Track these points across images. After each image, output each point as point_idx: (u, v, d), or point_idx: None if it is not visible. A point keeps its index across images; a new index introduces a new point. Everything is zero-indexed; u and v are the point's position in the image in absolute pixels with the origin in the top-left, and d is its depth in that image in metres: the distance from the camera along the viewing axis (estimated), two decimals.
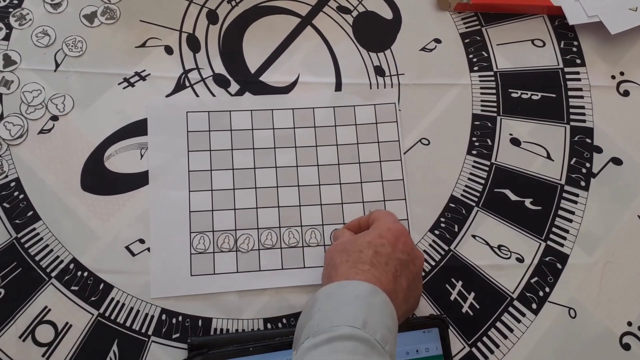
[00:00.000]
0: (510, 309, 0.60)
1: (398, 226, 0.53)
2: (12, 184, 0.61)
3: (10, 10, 0.66)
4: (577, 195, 0.64)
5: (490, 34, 0.70)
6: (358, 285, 0.47)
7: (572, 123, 0.67)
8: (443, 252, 0.62)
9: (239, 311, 0.59)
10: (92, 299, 0.58)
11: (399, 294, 0.50)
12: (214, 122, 0.64)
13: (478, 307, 0.60)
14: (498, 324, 0.60)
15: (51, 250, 0.59)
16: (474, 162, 0.65)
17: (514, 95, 0.68)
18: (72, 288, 0.58)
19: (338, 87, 0.66)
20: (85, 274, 0.59)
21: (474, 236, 0.62)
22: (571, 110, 0.67)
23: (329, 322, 0.45)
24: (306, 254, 0.60)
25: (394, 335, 0.47)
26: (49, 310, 0.57)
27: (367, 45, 0.69)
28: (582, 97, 0.68)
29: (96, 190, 0.61)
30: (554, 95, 0.68)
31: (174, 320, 0.58)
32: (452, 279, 0.61)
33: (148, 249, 0.60)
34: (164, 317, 0.58)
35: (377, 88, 0.67)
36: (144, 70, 0.65)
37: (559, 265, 0.62)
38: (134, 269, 0.59)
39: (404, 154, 0.64)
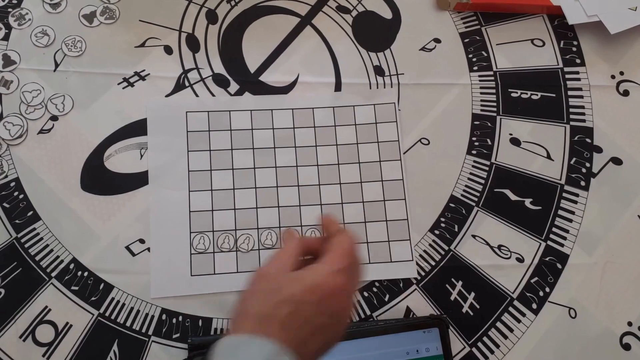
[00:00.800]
0: (511, 309, 0.60)
1: (337, 282, 0.45)
2: (12, 184, 0.61)
3: (10, 10, 0.66)
4: (577, 195, 0.64)
5: (490, 33, 0.70)
6: (260, 347, 0.41)
7: (572, 123, 0.67)
8: (443, 252, 0.62)
9: None
10: (93, 299, 0.58)
11: (307, 355, 0.43)
12: (214, 122, 0.64)
13: (478, 307, 0.60)
14: (498, 324, 0.60)
15: (51, 250, 0.59)
16: (474, 162, 0.65)
17: (513, 95, 0.68)
18: (73, 288, 0.58)
19: (338, 87, 0.66)
20: (86, 274, 0.59)
21: (474, 236, 0.62)
22: (571, 110, 0.67)
23: None
24: None
25: None
26: (49, 310, 0.57)
27: (367, 45, 0.68)
28: (582, 96, 0.68)
29: (96, 190, 0.61)
30: (554, 95, 0.68)
31: (174, 320, 0.58)
32: (452, 279, 0.61)
33: (148, 249, 0.60)
34: (164, 317, 0.58)
35: (377, 88, 0.67)
36: (144, 70, 0.65)
37: (559, 265, 0.62)
38: (134, 269, 0.59)
39: (404, 153, 0.64)
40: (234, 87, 0.65)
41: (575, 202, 0.64)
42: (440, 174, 0.64)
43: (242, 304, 0.45)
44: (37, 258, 0.59)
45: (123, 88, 0.64)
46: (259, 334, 0.41)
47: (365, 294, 0.60)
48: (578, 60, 0.69)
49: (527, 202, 0.64)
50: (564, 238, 0.63)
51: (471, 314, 0.60)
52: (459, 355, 0.59)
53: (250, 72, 0.66)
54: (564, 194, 0.64)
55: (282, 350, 0.41)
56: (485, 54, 0.69)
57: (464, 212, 0.63)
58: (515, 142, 0.66)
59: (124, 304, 0.58)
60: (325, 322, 0.44)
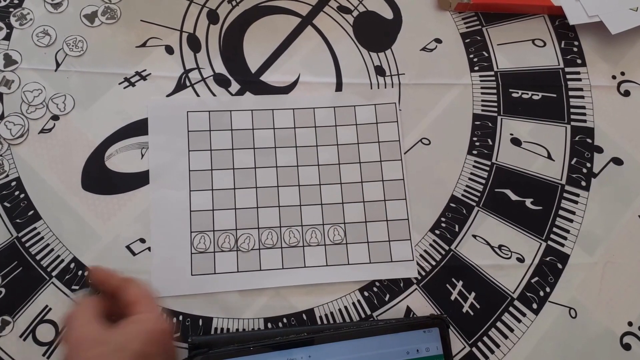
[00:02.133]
0: (511, 308, 0.60)
1: (165, 327, 0.47)
2: (13, 183, 0.61)
3: (11, 10, 0.66)
4: (577, 195, 0.64)
5: (491, 33, 0.70)
6: None
7: (572, 123, 0.67)
8: (443, 252, 0.62)
9: (240, 311, 0.59)
10: None
11: None
12: (215, 122, 0.64)
13: (478, 307, 0.60)
14: (498, 324, 0.60)
15: (52, 250, 0.59)
16: (475, 162, 0.65)
17: (514, 95, 0.68)
18: (73, 287, 0.58)
19: (338, 87, 0.66)
20: (86, 273, 0.59)
21: (474, 236, 0.62)
22: (572, 110, 0.67)
23: None
24: (307, 253, 0.60)
25: None
26: (50, 309, 0.57)
27: (368, 45, 0.69)
28: (582, 97, 0.68)
29: (97, 190, 0.61)
30: (555, 95, 0.68)
31: (174, 320, 0.58)
32: (453, 279, 0.61)
33: (149, 249, 0.60)
34: (164, 316, 0.58)
35: (378, 88, 0.67)
36: (145, 70, 0.65)
37: (559, 265, 0.62)
38: (134, 269, 0.59)
39: (405, 153, 0.64)
40: (235, 87, 0.66)
41: (576, 202, 0.64)
42: (441, 174, 0.64)
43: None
44: (38, 257, 0.59)
45: (124, 88, 0.64)
46: None
47: (366, 293, 0.60)
48: (579, 61, 0.69)
49: (528, 202, 0.64)
50: (565, 238, 0.63)
51: (471, 313, 0.60)
52: (459, 355, 0.59)
53: (251, 72, 0.66)
54: (565, 194, 0.64)
55: None
56: (486, 54, 0.69)
57: (464, 212, 0.63)
58: (516, 142, 0.66)
59: None
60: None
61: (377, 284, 0.61)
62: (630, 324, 0.61)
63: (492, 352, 0.59)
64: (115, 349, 0.43)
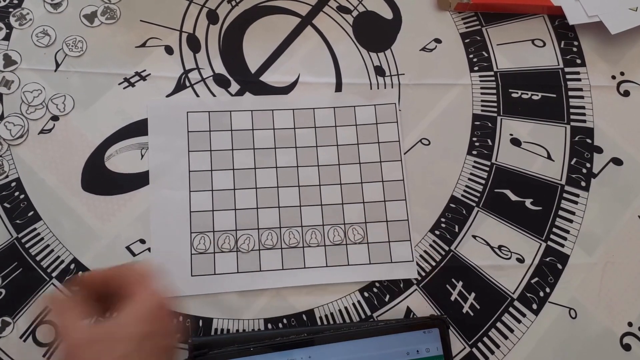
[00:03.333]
0: (511, 309, 0.60)
1: (160, 299, 0.45)
2: (13, 184, 0.61)
3: (11, 10, 0.66)
4: (577, 195, 0.64)
5: (491, 34, 0.70)
6: None
7: (572, 123, 0.67)
8: (443, 253, 0.62)
9: (240, 311, 0.59)
10: None
11: None
12: (215, 122, 0.64)
13: (478, 307, 0.60)
14: (498, 325, 0.60)
15: (52, 251, 0.59)
16: (474, 162, 0.65)
17: (514, 95, 0.68)
18: (73, 288, 0.58)
19: (338, 87, 0.66)
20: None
21: (474, 236, 0.62)
22: (571, 110, 0.67)
23: None
24: (307, 254, 0.60)
25: None
26: (50, 310, 0.57)
27: (367, 45, 0.69)
28: (582, 97, 0.68)
29: (97, 190, 0.61)
30: (554, 96, 0.68)
31: (174, 320, 0.58)
32: (453, 280, 0.61)
33: (149, 249, 0.60)
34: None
35: (378, 88, 0.67)
36: (145, 70, 0.65)
37: (559, 266, 0.62)
38: None
39: (404, 154, 0.64)
40: (234, 87, 0.66)
41: (576, 202, 0.64)
42: (441, 174, 0.64)
43: None
44: (38, 258, 0.59)
45: (124, 88, 0.64)
46: None
47: (366, 294, 0.60)
48: (578, 61, 0.69)
49: (528, 202, 0.64)
50: (564, 238, 0.63)
51: (471, 314, 0.60)
52: (459, 356, 0.59)
53: (251, 72, 0.66)
54: (565, 195, 0.64)
55: None
56: (486, 54, 0.69)
57: (464, 212, 0.63)
58: (515, 142, 0.66)
59: None
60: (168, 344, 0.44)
61: (377, 284, 0.61)
62: (630, 324, 0.61)
63: (492, 352, 0.59)
64: (113, 342, 0.41)
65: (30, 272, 0.58)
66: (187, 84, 0.65)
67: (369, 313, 0.60)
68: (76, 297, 0.46)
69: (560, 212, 0.64)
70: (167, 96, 0.64)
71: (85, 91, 0.64)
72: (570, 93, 0.68)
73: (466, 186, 0.64)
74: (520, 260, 0.62)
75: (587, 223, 0.63)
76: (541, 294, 0.61)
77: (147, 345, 0.41)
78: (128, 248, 0.60)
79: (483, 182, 0.64)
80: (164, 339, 0.43)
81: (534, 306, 0.61)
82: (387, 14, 0.70)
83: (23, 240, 0.59)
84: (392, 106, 0.66)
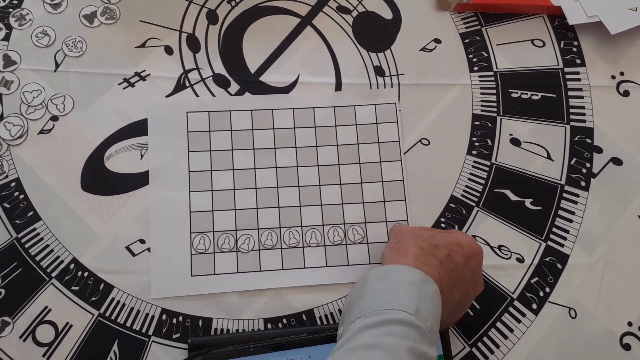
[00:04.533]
0: (511, 309, 0.60)
1: (477, 247, 0.53)
2: (13, 184, 0.61)
3: (10, 10, 0.66)
4: (577, 195, 0.64)
5: (490, 34, 0.70)
6: (412, 272, 0.47)
7: (572, 123, 0.67)
8: None
9: (239, 311, 0.59)
10: (93, 299, 0.58)
11: (448, 303, 0.49)
12: (214, 122, 0.64)
13: (478, 307, 0.60)
14: (498, 324, 0.60)
15: (51, 251, 0.59)
16: (474, 162, 0.65)
17: (514, 95, 0.68)
18: (73, 288, 0.58)
19: (338, 87, 0.66)
20: (86, 274, 0.59)
21: (474, 236, 0.62)
22: (571, 110, 0.67)
23: (382, 305, 0.45)
24: (306, 254, 0.60)
25: (438, 326, 0.47)
26: (50, 310, 0.57)
27: (367, 45, 0.69)
28: (582, 97, 0.68)
29: (96, 191, 0.61)
30: (554, 96, 0.68)
31: (174, 321, 0.58)
32: None
33: (148, 249, 0.60)
34: (164, 317, 0.58)
35: (377, 88, 0.67)
36: (144, 71, 0.65)
37: (559, 266, 0.62)
38: (134, 269, 0.59)
39: (404, 154, 0.64)
40: (234, 87, 0.66)
41: (576, 202, 0.64)
42: (441, 174, 0.64)
43: (399, 244, 0.52)
44: (37, 258, 0.59)
45: (123, 88, 0.64)
46: (417, 268, 0.47)
47: None
48: (578, 61, 0.69)
49: (527, 202, 0.64)
50: (564, 238, 0.63)
51: (471, 314, 0.60)
52: (459, 355, 0.59)
53: (250, 72, 0.66)
54: (564, 194, 0.64)
55: (435, 282, 0.47)
56: (486, 54, 0.69)
57: (464, 212, 0.63)
58: (515, 142, 0.66)
59: (124, 304, 0.58)
60: (467, 277, 0.51)
61: None
62: (630, 324, 0.61)
63: (492, 352, 0.59)
64: (428, 236, 0.52)
65: (29, 272, 0.58)
66: (187, 84, 0.65)
67: None
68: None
69: (560, 212, 0.64)
70: (167, 96, 0.64)
71: (84, 91, 0.64)
72: (570, 93, 0.68)
73: (466, 186, 0.64)
74: (520, 260, 0.62)
75: (586, 223, 0.63)
76: (541, 293, 0.61)
77: (458, 261, 0.51)
78: (128, 248, 0.60)
79: (483, 182, 0.64)
80: (466, 269, 0.51)
81: (534, 306, 0.61)
82: (387, 14, 0.70)
83: (23, 240, 0.59)
84: (392, 106, 0.66)
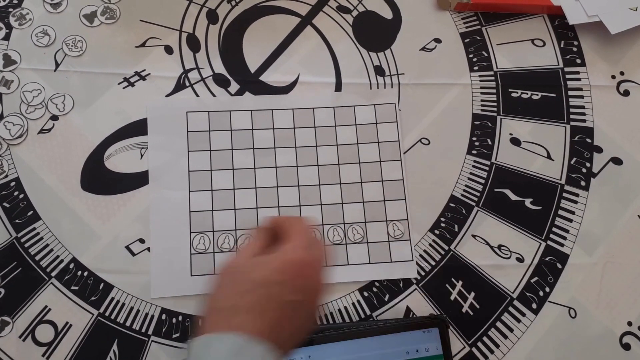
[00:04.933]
0: (511, 308, 0.60)
1: (302, 256, 0.44)
2: (12, 183, 0.61)
3: (10, 10, 0.66)
4: (577, 195, 0.64)
5: (490, 33, 0.70)
6: (229, 342, 0.39)
7: (572, 123, 0.67)
8: (443, 252, 0.62)
9: None
10: (92, 298, 0.58)
11: (284, 337, 0.42)
12: (214, 122, 0.64)
13: (478, 307, 0.60)
14: (498, 324, 0.60)
15: (51, 250, 0.59)
16: (474, 161, 0.65)
17: (514, 95, 0.68)
18: (72, 288, 0.58)
19: (338, 87, 0.66)
20: (86, 273, 0.59)
21: (474, 236, 0.62)
22: (571, 110, 0.67)
23: None
24: None
25: None
26: (49, 310, 0.57)
27: (367, 45, 0.69)
28: (582, 97, 0.68)
29: (96, 190, 0.61)
30: (554, 95, 0.68)
31: (174, 320, 0.58)
32: (452, 279, 0.61)
33: (148, 249, 0.60)
34: (164, 316, 0.58)
35: (377, 88, 0.67)
36: (144, 70, 0.65)
37: (559, 265, 0.62)
38: (134, 269, 0.59)
39: (404, 153, 0.64)
40: (234, 87, 0.66)
41: (576, 202, 0.64)
42: (441, 174, 0.64)
43: (210, 301, 0.44)
44: (37, 258, 0.59)
45: (123, 88, 0.64)
46: (226, 330, 0.40)
47: (365, 293, 0.60)
48: (578, 60, 0.69)
49: (527, 202, 0.64)
50: (564, 238, 0.63)
51: (471, 313, 0.60)
52: (458, 355, 0.59)
53: (250, 72, 0.66)
54: (564, 194, 0.64)
55: (253, 340, 0.39)
56: (486, 54, 0.69)
57: (464, 212, 0.63)
58: (515, 142, 0.66)
59: (123, 304, 0.58)
60: (297, 300, 0.43)
61: (377, 284, 0.61)
62: (629, 323, 0.61)
63: (492, 352, 0.59)
64: (237, 279, 0.44)
65: (29, 272, 0.58)
66: (187, 83, 0.65)
67: (368, 312, 0.60)
68: (259, 233, 0.49)
69: (560, 212, 0.64)
70: (167, 96, 0.64)
71: (84, 91, 0.64)
72: (570, 93, 0.68)
73: (466, 186, 0.64)
74: (520, 260, 0.62)
75: (586, 223, 0.63)
76: (541, 293, 0.61)
77: (276, 291, 0.42)
78: (127, 248, 0.60)
79: (483, 181, 0.64)
80: (292, 294, 0.43)
81: (534, 306, 0.60)
82: (387, 13, 0.70)
83: (22, 240, 0.59)
84: (391, 106, 0.66)
